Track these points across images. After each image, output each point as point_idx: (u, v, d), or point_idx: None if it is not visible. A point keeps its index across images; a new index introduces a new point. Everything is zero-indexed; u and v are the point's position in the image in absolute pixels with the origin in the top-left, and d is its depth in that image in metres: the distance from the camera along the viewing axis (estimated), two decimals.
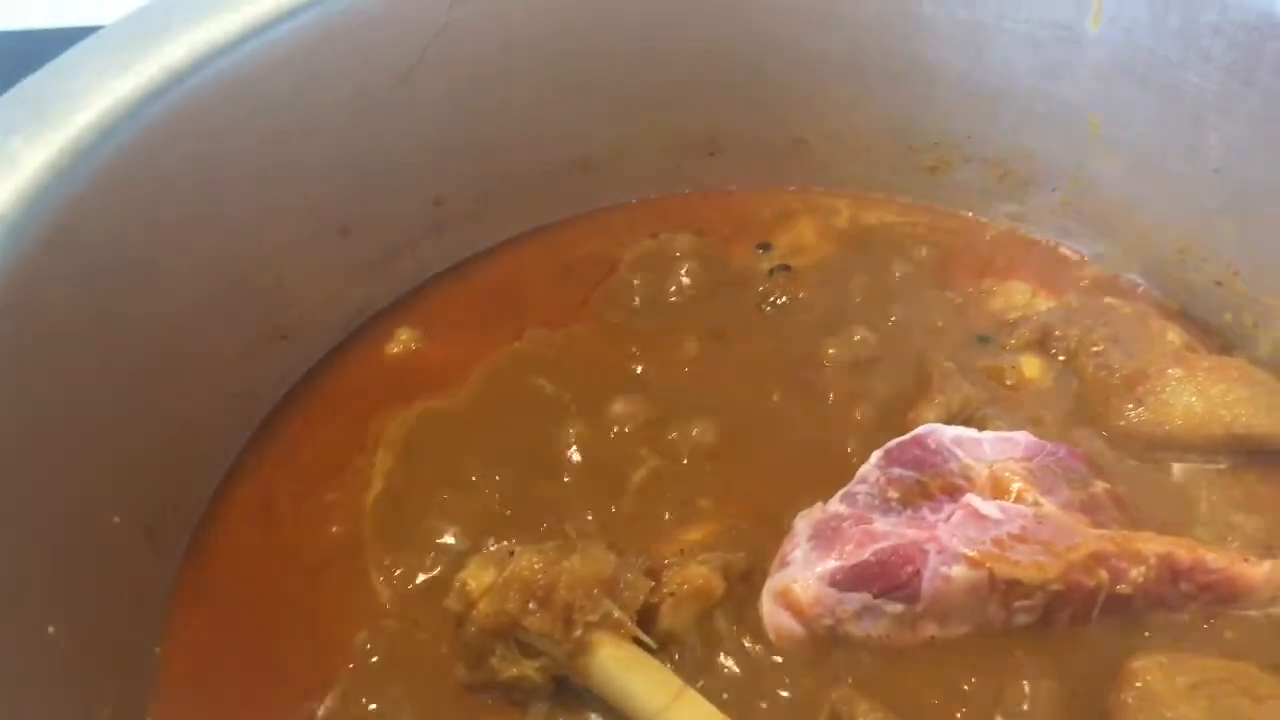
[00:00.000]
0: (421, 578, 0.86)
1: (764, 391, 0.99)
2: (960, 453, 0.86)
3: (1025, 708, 0.77)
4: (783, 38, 1.11)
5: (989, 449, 0.87)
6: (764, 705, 0.78)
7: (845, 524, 0.81)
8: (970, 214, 1.17)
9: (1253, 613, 0.82)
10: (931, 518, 0.81)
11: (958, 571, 0.77)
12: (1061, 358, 0.99)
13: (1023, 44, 1.04)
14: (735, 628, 0.81)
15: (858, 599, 0.78)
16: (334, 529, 0.91)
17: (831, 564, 0.78)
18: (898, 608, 0.78)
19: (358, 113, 0.98)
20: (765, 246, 1.14)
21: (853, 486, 0.84)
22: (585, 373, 1.02)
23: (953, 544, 0.78)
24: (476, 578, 0.77)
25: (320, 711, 0.80)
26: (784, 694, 0.78)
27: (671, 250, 1.12)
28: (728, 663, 0.80)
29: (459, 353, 1.05)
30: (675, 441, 0.95)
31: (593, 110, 1.13)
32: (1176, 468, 0.93)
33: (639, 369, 1.02)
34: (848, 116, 1.16)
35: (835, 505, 0.83)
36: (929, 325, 1.05)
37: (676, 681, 0.75)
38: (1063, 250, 1.13)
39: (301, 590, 0.88)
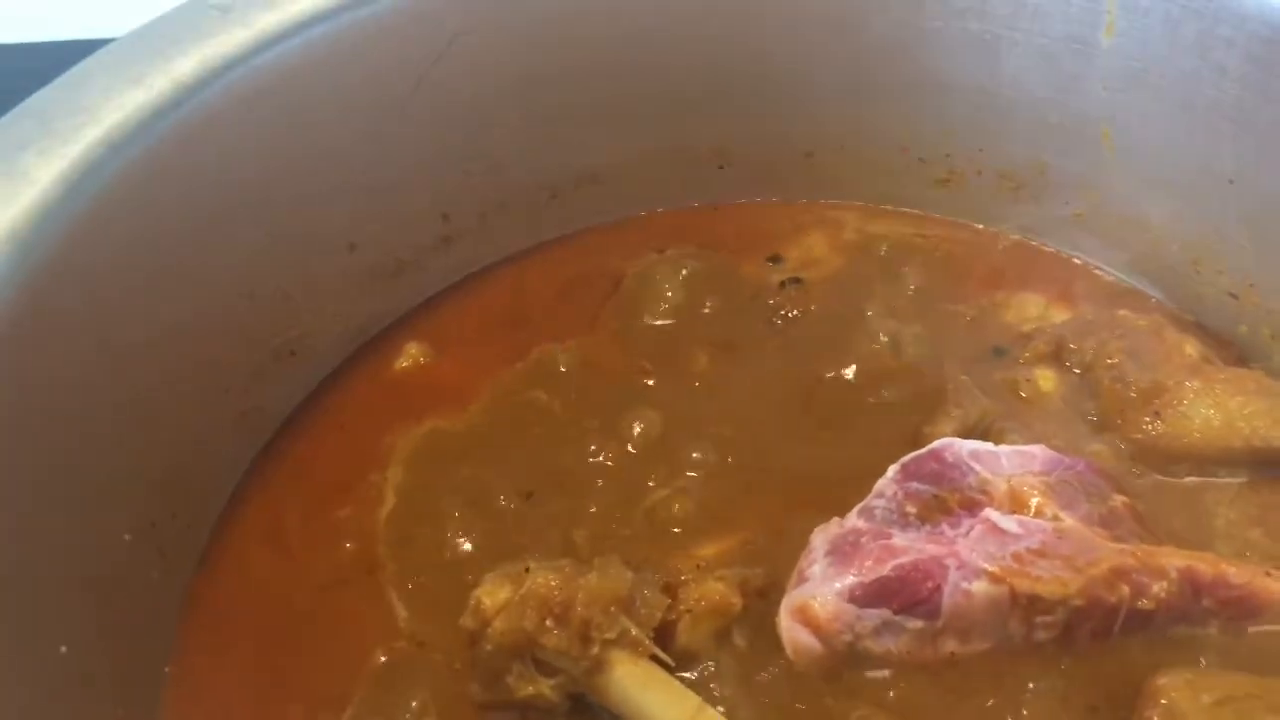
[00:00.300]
0: (436, 595, 0.85)
1: (777, 405, 0.98)
2: (978, 467, 0.85)
3: None
4: (791, 51, 1.11)
5: (1007, 463, 0.86)
6: None
7: (864, 539, 0.80)
8: (982, 226, 1.17)
9: (1276, 627, 0.81)
10: (950, 533, 0.80)
11: (978, 587, 0.77)
12: (1077, 370, 0.99)
13: (1036, 56, 1.03)
14: (753, 644, 0.80)
15: (877, 615, 0.77)
16: (347, 545, 0.90)
17: (850, 579, 0.78)
18: (918, 624, 0.77)
19: (366, 127, 0.98)
20: (776, 259, 1.14)
21: (870, 501, 0.83)
22: (596, 387, 1.01)
23: (973, 559, 0.78)
24: (492, 595, 0.76)
25: None
26: (803, 711, 0.77)
27: (681, 264, 1.11)
28: (746, 680, 0.79)
29: (468, 367, 1.04)
30: (689, 456, 0.94)
31: (600, 124, 1.12)
32: (1194, 481, 0.92)
33: (650, 383, 1.02)
34: (857, 129, 1.16)
35: (853, 520, 0.82)
36: (943, 338, 1.04)
37: (694, 699, 0.75)
38: (1076, 262, 1.13)
39: (312, 607, 0.87)
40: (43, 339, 0.75)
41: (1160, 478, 0.91)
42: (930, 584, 0.77)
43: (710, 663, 0.79)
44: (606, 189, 1.17)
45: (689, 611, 0.79)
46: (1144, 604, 0.78)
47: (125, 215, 0.81)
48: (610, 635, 0.74)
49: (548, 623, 0.74)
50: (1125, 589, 0.78)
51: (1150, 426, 0.92)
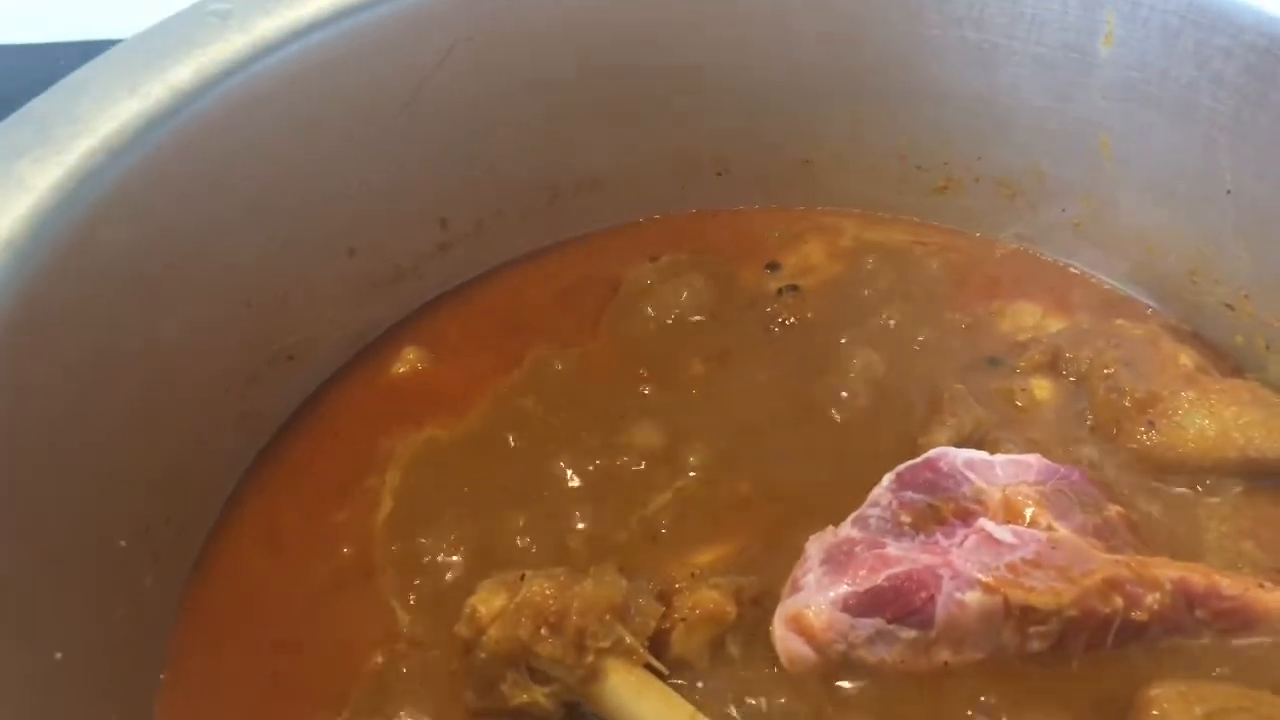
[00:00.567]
0: (431, 601, 0.86)
1: (773, 413, 0.98)
2: (972, 476, 0.85)
3: None
4: (790, 58, 1.10)
5: (1001, 472, 0.86)
6: None
7: (858, 548, 0.80)
8: (979, 234, 1.17)
9: (1268, 639, 0.81)
10: (945, 542, 0.80)
11: (972, 597, 0.77)
12: (1073, 380, 0.99)
13: (1034, 65, 1.03)
14: (747, 653, 0.80)
15: (871, 624, 0.77)
16: (344, 550, 0.90)
17: (844, 589, 0.78)
18: (911, 633, 0.77)
19: (365, 134, 0.98)
20: (774, 266, 1.14)
21: (864, 510, 0.84)
22: (593, 393, 1.01)
23: (967, 569, 0.78)
24: (486, 603, 0.76)
25: None
26: None
27: (679, 270, 1.12)
28: (739, 688, 0.79)
29: (466, 373, 1.04)
30: (684, 463, 0.94)
31: (599, 131, 1.13)
32: (1188, 492, 0.92)
33: (647, 390, 1.02)
34: (855, 137, 1.16)
35: (847, 529, 0.82)
36: (938, 346, 1.04)
37: (688, 708, 0.75)
38: (1073, 271, 1.13)
39: (309, 612, 0.87)
40: (39, 346, 0.75)
41: (1155, 488, 0.91)
42: (924, 594, 0.77)
43: (704, 671, 0.79)
44: (605, 195, 1.17)
45: (683, 620, 0.79)
46: (1138, 615, 0.78)
47: (123, 222, 0.81)
48: (605, 644, 0.74)
49: (542, 631, 0.74)
50: (1119, 600, 0.78)
51: (1145, 436, 0.92)
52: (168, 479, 0.88)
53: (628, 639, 0.75)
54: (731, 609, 0.80)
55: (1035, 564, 0.79)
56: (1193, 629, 0.80)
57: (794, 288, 1.11)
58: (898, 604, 0.77)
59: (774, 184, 1.20)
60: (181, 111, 0.84)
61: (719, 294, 1.10)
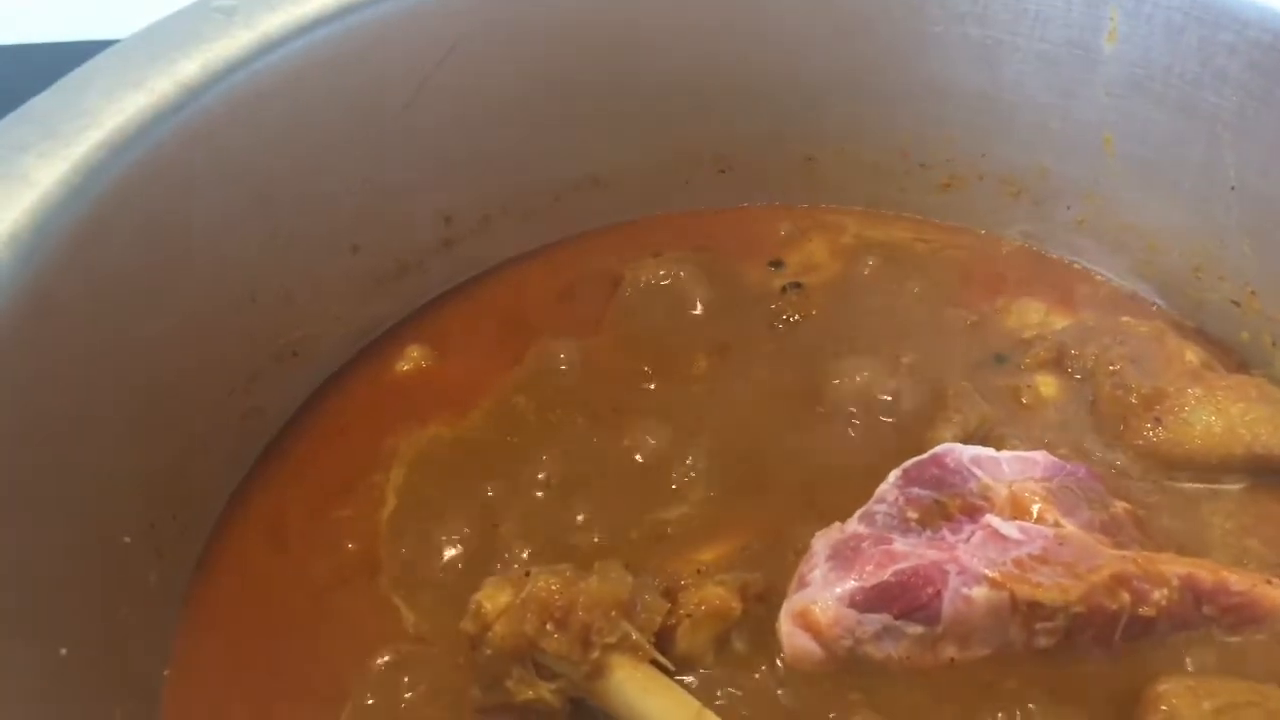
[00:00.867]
0: (436, 598, 0.85)
1: (778, 409, 0.98)
2: (979, 472, 0.85)
3: None
4: (792, 56, 1.11)
5: (1008, 469, 0.86)
6: None
7: (864, 544, 0.80)
8: (984, 231, 1.17)
9: (1275, 634, 0.81)
10: (951, 538, 0.80)
11: (979, 593, 0.77)
12: (1078, 377, 0.99)
13: (1037, 62, 1.03)
14: (753, 649, 0.80)
15: (878, 620, 0.77)
16: (349, 546, 0.90)
17: (851, 584, 0.78)
18: (918, 629, 0.77)
19: (370, 130, 0.98)
20: (778, 264, 1.14)
21: (871, 506, 0.83)
22: (597, 390, 1.01)
23: (973, 565, 0.78)
24: (492, 599, 0.76)
25: None
26: (802, 716, 0.77)
27: (682, 268, 1.11)
28: (745, 684, 0.79)
29: (470, 370, 1.04)
30: (689, 460, 0.94)
31: (602, 129, 1.13)
32: (1194, 488, 0.92)
33: (651, 386, 1.02)
34: (858, 134, 1.16)
35: (854, 525, 0.82)
36: (943, 343, 1.04)
37: (694, 704, 0.74)
38: (1077, 268, 1.13)
39: (312, 609, 0.87)
40: (44, 341, 0.75)
41: (1161, 484, 0.91)
42: (931, 589, 0.77)
43: (710, 668, 0.79)
44: (608, 193, 1.17)
45: (689, 616, 0.79)
46: (1145, 611, 0.78)
47: (127, 218, 0.80)
48: (611, 639, 0.74)
49: (548, 627, 0.74)
50: (1126, 596, 0.78)
51: (1152, 433, 0.92)
52: (172, 475, 0.88)
53: (633, 635, 0.75)
54: (737, 605, 0.80)
55: (1042, 560, 0.79)
56: (1200, 624, 0.80)
57: (797, 285, 1.11)
58: (904, 599, 0.77)
59: (777, 181, 1.20)
60: (187, 106, 0.83)
61: (722, 291, 1.10)
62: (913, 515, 0.82)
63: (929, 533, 0.81)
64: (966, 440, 0.91)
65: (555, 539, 0.89)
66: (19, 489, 0.72)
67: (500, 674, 0.76)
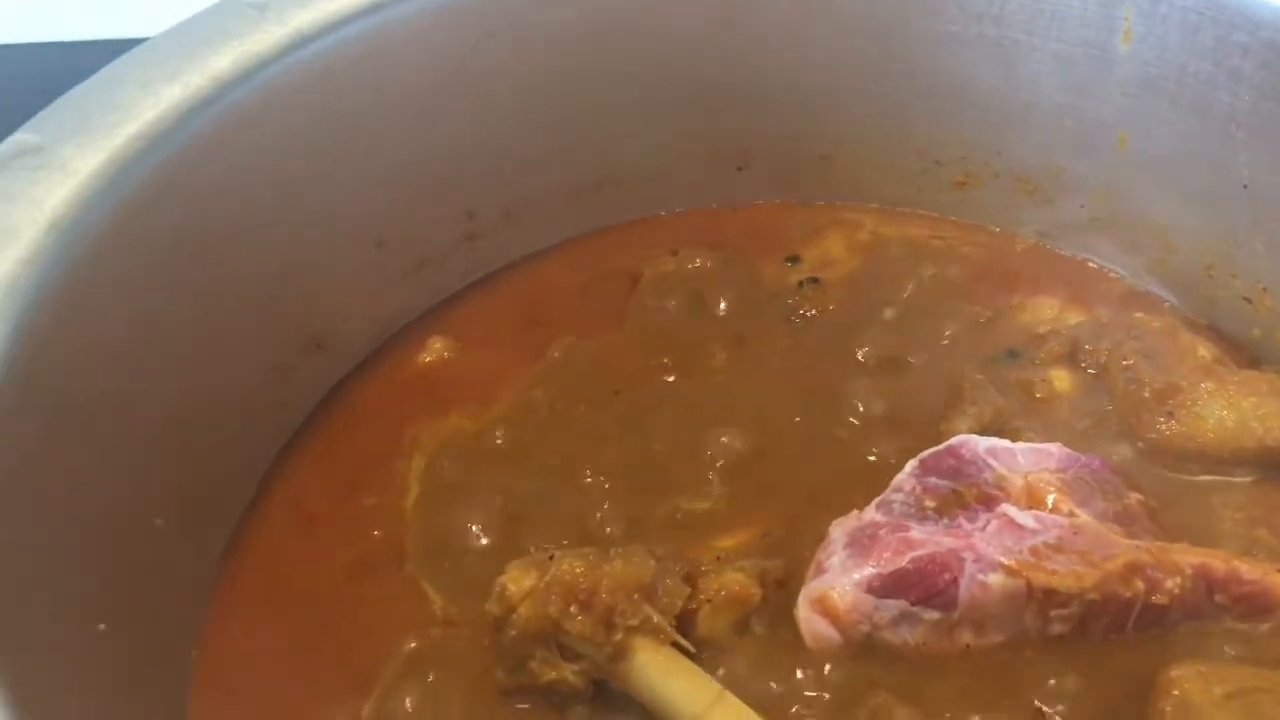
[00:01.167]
0: (462, 583, 0.87)
1: (796, 401, 0.99)
2: (995, 463, 0.86)
3: (1061, 717, 0.77)
4: (809, 55, 1.12)
5: (1023, 459, 0.87)
6: (801, 711, 0.78)
7: (882, 531, 0.81)
8: (998, 229, 1.18)
9: None
10: (968, 526, 0.81)
11: (995, 580, 0.78)
12: (1092, 371, 1.00)
13: (1052, 61, 1.04)
14: (772, 634, 0.81)
15: (895, 606, 0.78)
16: (375, 533, 0.92)
17: (869, 571, 0.79)
18: (934, 615, 0.79)
19: (397, 125, 0.99)
20: (794, 259, 1.15)
21: (888, 495, 0.85)
22: (617, 383, 1.02)
23: (990, 552, 0.79)
24: (517, 582, 0.77)
25: (358, 715, 0.81)
26: (821, 700, 0.79)
27: (700, 263, 1.13)
28: (764, 669, 0.80)
29: (492, 362, 1.05)
30: (709, 450, 0.95)
31: (622, 126, 1.14)
32: (1206, 480, 0.93)
33: (670, 379, 1.03)
34: (874, 133, 1.17)
35: (871, 513, 0.84)
36: (958, 338, 1.05)
37: (715, 686, 0.76)
38: (1091, 266, 1.14)
39: (340, 593, 0.88)
40: (81, 328, 0.76)
41: (1173, 476, 0.92)
42: (947, 576, 0.78)
43: (730, 652, 0.80)
44: (628, 189, 1.18)
45: (709, 601, 0.80)
46: (1158, 599, 0.79)
47: (161, 209, 0.82)
48: (633, 622, 0.75)
49: (572, 609, 0.75)
50: (1140, 584, 0.79)
51: (1164, 426, 0.93)
52: (202, 462, 0.90)
53: (655, 618, 0.76)
54: (756, 591, 0.81)
55: (1057, 548, 0.80)
56: (1212, 613, 0.81)
57: (814, 280, 1.12)
58: (921, 586, 0.78)
59: (794, 179, 1.21)
60: (219, 101, 0.85)
61: (740, 287, 1.12)
62: (930, 504, 0.83)
63: (945, 521, 0.82)
64: (982, 432, 0.92)
65: (576, 527, 0.90)
66: (56, 472, 0.74)
67: (524, 655, 0.77)
